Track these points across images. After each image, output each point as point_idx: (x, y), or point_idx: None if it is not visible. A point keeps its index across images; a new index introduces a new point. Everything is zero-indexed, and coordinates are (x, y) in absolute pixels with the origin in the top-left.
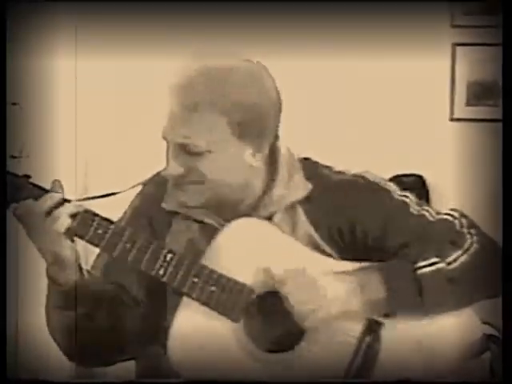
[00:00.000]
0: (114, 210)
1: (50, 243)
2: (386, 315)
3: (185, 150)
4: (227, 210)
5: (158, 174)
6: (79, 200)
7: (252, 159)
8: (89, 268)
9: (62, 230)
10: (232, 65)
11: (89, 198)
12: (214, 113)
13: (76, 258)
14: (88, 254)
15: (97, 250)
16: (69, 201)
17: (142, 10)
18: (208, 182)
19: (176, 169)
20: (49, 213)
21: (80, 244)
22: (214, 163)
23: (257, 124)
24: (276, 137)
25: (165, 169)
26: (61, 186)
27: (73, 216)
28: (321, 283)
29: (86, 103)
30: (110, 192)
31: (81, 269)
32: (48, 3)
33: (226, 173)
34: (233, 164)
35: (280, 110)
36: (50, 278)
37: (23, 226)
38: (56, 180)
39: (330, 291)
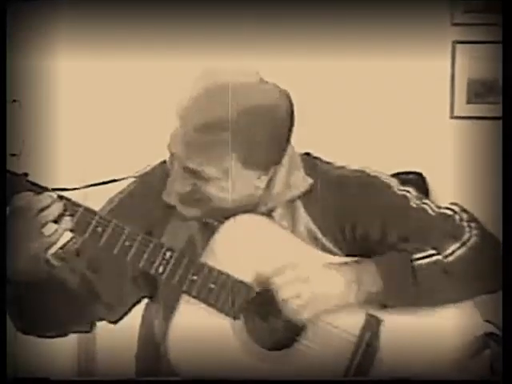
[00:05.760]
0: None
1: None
2: (383, 307)
3: (192, 172)
4: (228, 214)
5: (157, 166)
6: (76, 188)
7: (258, 182)
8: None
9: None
10: (247, 85)
11: (86, 186)
12: (226, 145)
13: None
14: None
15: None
16: (64, 198)
17: (142, 10)
18: (213, 201)
19: (182, 188)
20: (42, 210)
21: None
22: (221, 188)
23: (266, 154)
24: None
25: (169, 181)
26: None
27: (67, 215)
28: (313, 277)
29: (85, 102)
30: (107, 180)
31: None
32: (48, 3)
33: (231, 194)
34: (239, 187)
35: (290, 137)
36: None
37: (14, 218)
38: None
39: (324, 285)
